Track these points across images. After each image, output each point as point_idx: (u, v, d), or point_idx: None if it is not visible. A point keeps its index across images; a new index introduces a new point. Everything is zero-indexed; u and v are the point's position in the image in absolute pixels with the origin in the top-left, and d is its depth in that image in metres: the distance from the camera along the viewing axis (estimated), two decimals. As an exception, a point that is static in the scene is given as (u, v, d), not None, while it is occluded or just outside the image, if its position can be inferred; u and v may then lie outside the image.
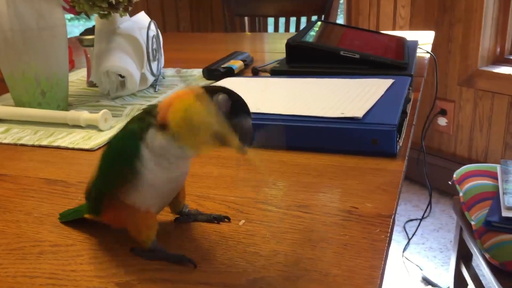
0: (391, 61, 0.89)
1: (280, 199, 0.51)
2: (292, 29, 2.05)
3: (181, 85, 1.00)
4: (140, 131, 0.39)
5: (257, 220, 0.47)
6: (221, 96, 0.38)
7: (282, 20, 2.04)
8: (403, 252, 1.81)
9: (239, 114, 0.38)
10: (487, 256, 1.00)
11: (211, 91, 0.38)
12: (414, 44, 1.10)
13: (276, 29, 2.07)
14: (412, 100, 0.77)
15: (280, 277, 0.38)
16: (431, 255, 1.81)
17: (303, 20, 2.03)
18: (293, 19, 2.05)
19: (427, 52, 1.13)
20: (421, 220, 1.73)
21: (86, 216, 0.46)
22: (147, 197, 0.40)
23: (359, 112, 0.63)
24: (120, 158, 0.40)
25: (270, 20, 2.16)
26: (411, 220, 2.02)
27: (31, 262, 0.42)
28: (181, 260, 0.40)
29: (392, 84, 0.76)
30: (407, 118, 0.69)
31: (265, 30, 2.15)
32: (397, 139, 0.60)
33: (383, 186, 0.53)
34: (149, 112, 0.39)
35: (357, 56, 0.90)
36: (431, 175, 1.59)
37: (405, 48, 1.01)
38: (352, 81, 0.79)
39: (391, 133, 0.58)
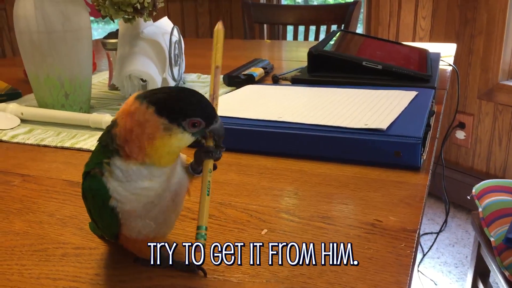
0: (415, 73, 0.88)
1: (302, 209, 0.51)
2: (311, 37, 2.05)
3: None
4: (100, 166, 0.36)
5: (280, 230, 0.47)
6: (186, 122, 0.34)
7: (301, 28, 2.05)
8: (418, 266, 1.79)
9: (210, 118, 0.36)
10: (506, 273, 0.98)
11: (173, 116, 0.34)
12: (437, 56, 1.09)
13: (295, 37, 2.07)
14: (435, 113, 0.77)
15: (304, 289, 0.38)
16: (446, 270, 1.79)
17: (323, 28, 2.03)
18: (312, 28, 2.05)
19: (450, 65, 1.12)
20: (437, 234, 1.70)
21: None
22: (136, 227, 0.37)
23: (383, 124, 0.62)
24: (95, 205, 0.37)
25: (289, 28, 2.16)
26: (426, 233, 1.99)
27: (54, 264, 0.42)
28: (191, 269, 0.40)
29: (416, 96, 0.75)
30: (431, 131, 0.68)
31: (284, 38, 2.15)
32: (421, 152, 0.59)
33: (407, 200, 0.52)
34: (106, 144, 0.36)
35: (379, 67, 0.90)
36: (447, 189, 1.57)
37: (428, 60, 1.00)
38: (375, 92, 0.79)
39: (416, 146, 0.58)
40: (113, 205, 0.36)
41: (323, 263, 0.41)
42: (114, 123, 0.35)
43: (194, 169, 0.39)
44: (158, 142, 0.34)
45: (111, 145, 0.35)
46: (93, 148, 0.70)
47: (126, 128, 0.34)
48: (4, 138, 0.75)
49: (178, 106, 0.34)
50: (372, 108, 0.69)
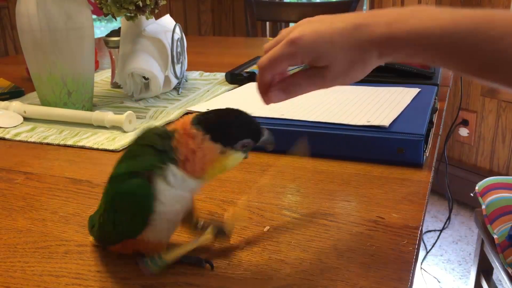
0: (417, 70, 0.88)
1: (305, 206, 0.51)
2: (314, 35, 2.04)
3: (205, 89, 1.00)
4: (153, 168, 0.37)
5: (282, 227, 0.47)
6: (241, 144, 0.38)
7: (304, 26, 2.04)
8: (421, 263, 1.79)
9: (258, 136, 0.40)
10: (510, 271, 0.98)
11: (226, 142, 0.38)
12: (440, 53, 1.09)
13: (297, 34, 2.06)
14: (438, 110, 0.76)
15: (306, 286, 0.38)
16: (449, 267, 1.78)
17: (325, 26, 2.02)
18: (315, 25, 2.04)
19: (453, 62, 1.12)
20: (441, 231, 1.70)
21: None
22: (161, 231, 0.39)
23: (385, 121, 0.62)
24: (135, 207, 0.37)
25: (292, 25, 2.16)
26: (429, 231, 1.99)
27: (57, 261, 0.42)
28: (198, 262, 0.40)
29: (418, 93, 0.75)
30: (433, 128, 0.68)
31: (287, 35, 2.15)
32: (424, 149, 0.59)
33: (409, 197, 0.52)
34: (163, 150, 0.37)
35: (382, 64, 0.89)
36: (450, 186, 1.56)
37: (431, 57, 1.00)
38: (377, 89, 0.78)
39: (418, 143, 0.57)
40: (155, 207, 0.37)
41: (325, 260, 0.41)
42: (171, 135, 0.38)
43: (200, 226, 0.43)
44: (217, 164, 0.38)
45: (170, 153, 0.37)
46: (95, 146, 0.70)
47: (188, 148, 0.37)
48: (7, 136, 0.75)
49: (229, 132, 0.38)
50: (375, 105, 0.69)
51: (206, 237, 0.41)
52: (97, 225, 0.41)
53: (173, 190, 0.37)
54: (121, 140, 0.71)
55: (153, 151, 0.38)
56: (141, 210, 0.37)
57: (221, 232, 0.43)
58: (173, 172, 0.37)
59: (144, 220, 0.37)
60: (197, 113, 0.39)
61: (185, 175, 0.37)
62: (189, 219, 0.43)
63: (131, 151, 0.39)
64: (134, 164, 0.38)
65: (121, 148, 0.68)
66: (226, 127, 0.38)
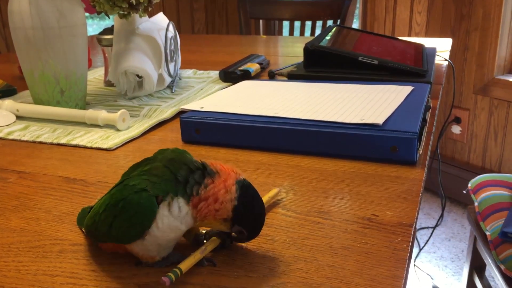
0: (410, 68, 0.88)
1: (299, 204, 0.51)
2: (307, 33, 2.05)
3: (198, 86, 1.00)
4: (164, 196, 0.38)
5: (276, 225, 0.47)
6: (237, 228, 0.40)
7: (297, 24, 2.04)
8: (414, 260, 1.80)
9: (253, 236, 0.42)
10: (502, 267, 0.99)
11: (238, 222, 0.40)
12: (433, 51, 1.09)
13: (291, 32, 2.07)
14: (431, 108, 0.77)
15: (301, 284, 0.38)
16: (442, 264, 1.80)
17: (319, 24, 2.03)
18: (308, 23, 2.05)
19: (445, 60, 1.13)
20: (434, 229, 1.71)
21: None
22: (151, 251, 0.40)
23: (379, 119, 0.62)
24: (136, 218, 0.38)
25: (285, 23, 2.16)
26: (422, 228, 2.00)
27: (51, 261, 0.42)
28: (199, 261, 0.40)
29: (412, 91, 0.75)
30: (427, 126, 0.68)
31: (280, 33, 2.15)
32: (417, 147, 0.59)
33: (403, 194, 0.52)
34: (184, 181, 0.38)
35: (375, 62, 0.90)
36: (443, 183, 1.57)
37: (424, 55, 1.00)
38: (371, 87, 0.79)
39: (412, 141, 0.58)
40: (151, 227, 0.38)
41: (320, 258, 0.41)
42: (211, 173, 0.39)
43: (197, 240, 0.43)
44: (214, 223, 0.40)
45: (189, 186, 0.38)
46: (89, 145, 0.70)
47: (216, 194, 0.38)
48: (0, 135, 0.75)
49: (246, 223, 0.40)
50: (368, 103, 0.69)
51: (214, 243, 0.42)
52: (90, 222, 0.41)
53: (172, 219, 0.38)
54: (115, 139, 0.71)
55: (173, 179, 0.39)
56: (140, 222, 0.38)
57: (225, 237, 0.43)
58: (180, 205, 0.38)
59: (139, 233, 0.38)
60: (243, 178, 0.40)
61: (190, 211, 0.38)
62: (188, 235, 0.44)
63: (155, 168, 0.39)
64: (150, 184, 0.38)
65: (114, 147, 0.68)
66: (249, 217, 0.40)
